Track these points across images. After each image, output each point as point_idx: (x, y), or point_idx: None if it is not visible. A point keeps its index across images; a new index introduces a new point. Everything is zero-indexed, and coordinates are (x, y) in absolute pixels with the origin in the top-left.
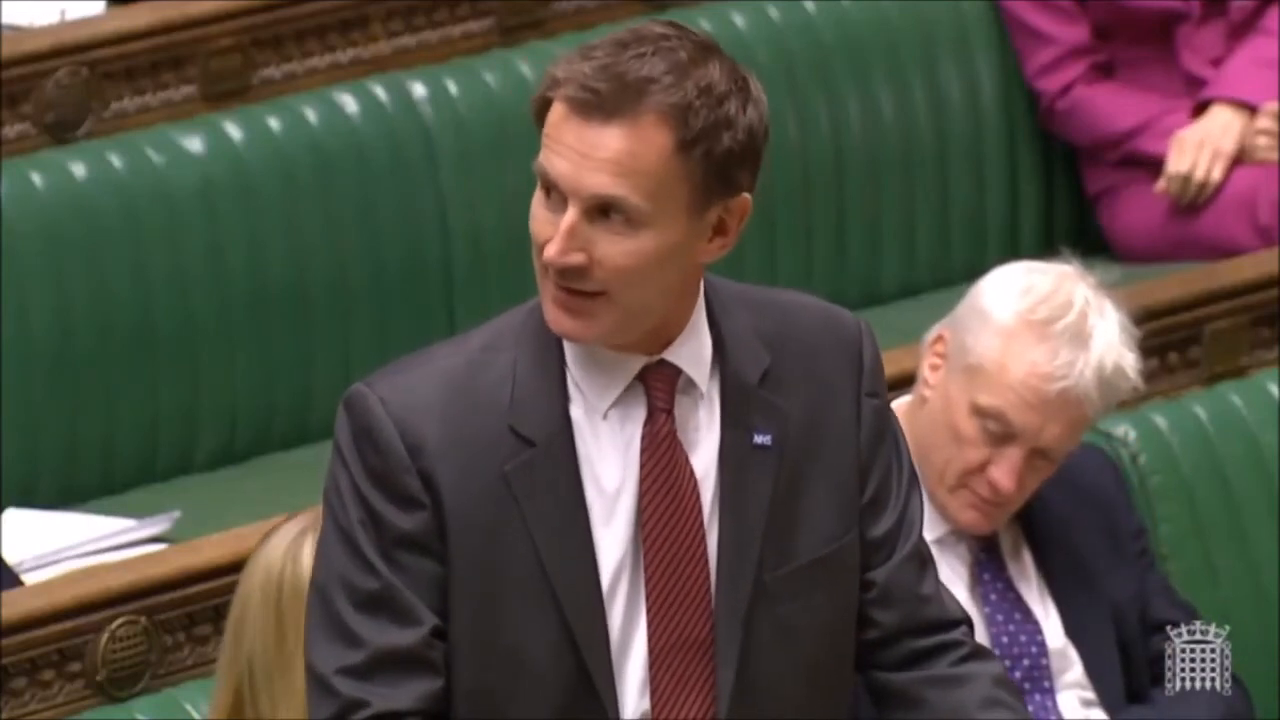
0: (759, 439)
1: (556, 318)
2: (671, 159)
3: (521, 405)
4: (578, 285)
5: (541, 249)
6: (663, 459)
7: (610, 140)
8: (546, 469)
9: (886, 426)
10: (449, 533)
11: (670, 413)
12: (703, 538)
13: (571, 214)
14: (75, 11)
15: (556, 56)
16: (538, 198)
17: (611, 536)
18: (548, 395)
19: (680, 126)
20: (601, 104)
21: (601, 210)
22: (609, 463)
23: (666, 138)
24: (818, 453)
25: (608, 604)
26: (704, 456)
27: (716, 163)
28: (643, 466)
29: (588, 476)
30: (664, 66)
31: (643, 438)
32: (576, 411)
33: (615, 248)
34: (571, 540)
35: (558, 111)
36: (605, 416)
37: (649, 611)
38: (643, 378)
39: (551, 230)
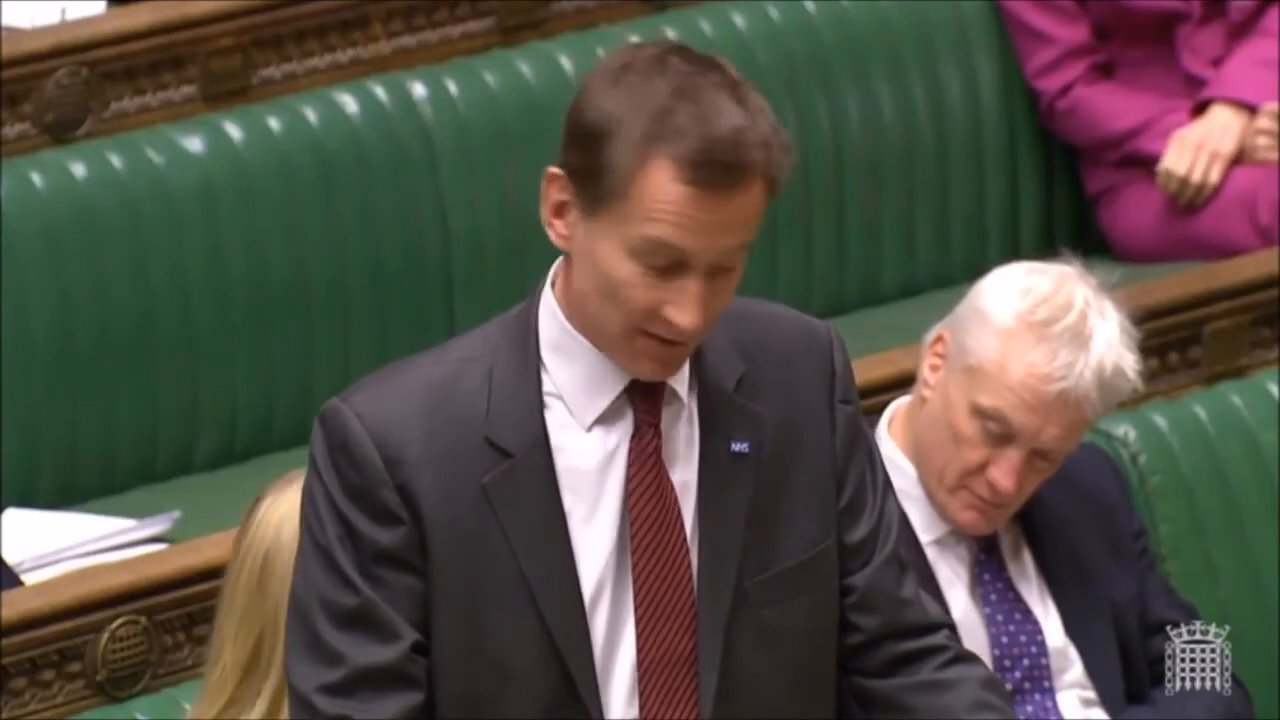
0: (737, 447)
1: (653, 370)
2: (764, 200)
3: (498, 417)
4: (685, 339)
5: (643, 313)
6: (649, 474)
7: (735, 207)
8: (524, 480)
9: (859, 432)
10: (429, 545)
11: (657, 427)
12: (686, 550)
13: (700, 281)
14: (75, 11)
15: (556, 56)
16: (630, 267)
17: (593, 548)
18: (525, 406)
19: (770, 168)
20: (722, 179)
21: (724, 269)
22: (590, 474)
23: (762, 186)
24: (795, 458)
25: (591, 614)
26: (686, 468)
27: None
28: (629, 481)
29: (566, 487)
30: (740, 117)
31: (630, 452)
32: (555, 422)
33: (722, 297)
34: (551, 551)
35: (672, 185)
36: (589, 429)
37: (638, 625)
38: (629, 392)
39: (654, 294)
